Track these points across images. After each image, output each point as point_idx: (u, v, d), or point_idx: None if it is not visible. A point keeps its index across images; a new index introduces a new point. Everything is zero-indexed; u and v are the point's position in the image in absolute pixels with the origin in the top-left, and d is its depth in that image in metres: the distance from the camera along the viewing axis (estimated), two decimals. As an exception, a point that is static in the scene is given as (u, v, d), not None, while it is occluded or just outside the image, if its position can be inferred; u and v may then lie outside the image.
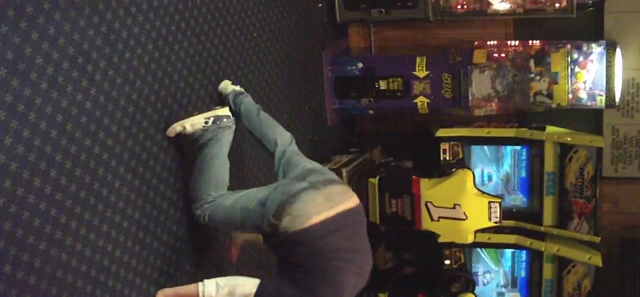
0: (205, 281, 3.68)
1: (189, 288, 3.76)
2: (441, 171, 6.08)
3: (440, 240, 5.93)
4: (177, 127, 4.06)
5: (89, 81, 3.37)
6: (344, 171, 5.88)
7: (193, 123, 4.07)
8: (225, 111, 4.21)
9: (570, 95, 5.87)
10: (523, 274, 6.48)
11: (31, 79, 2.99)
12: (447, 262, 6.31)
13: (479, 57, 6.03)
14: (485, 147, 6.34)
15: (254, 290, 3.65)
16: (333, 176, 4.02)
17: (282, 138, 4.34)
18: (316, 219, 3.58)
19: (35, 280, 3.04)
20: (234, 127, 4.25)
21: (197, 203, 4.06)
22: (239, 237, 4.58)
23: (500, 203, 5.69)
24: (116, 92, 3.60)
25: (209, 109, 4.22)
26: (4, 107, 2.85)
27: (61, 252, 3.21)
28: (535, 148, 6.15)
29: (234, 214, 3.92)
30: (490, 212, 5.70)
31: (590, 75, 5.82)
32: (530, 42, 6.01)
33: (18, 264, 2.94)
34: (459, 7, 6.16)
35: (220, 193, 4.04)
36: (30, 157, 3.00)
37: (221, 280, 3.70)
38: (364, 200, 6.14)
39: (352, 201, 3.86)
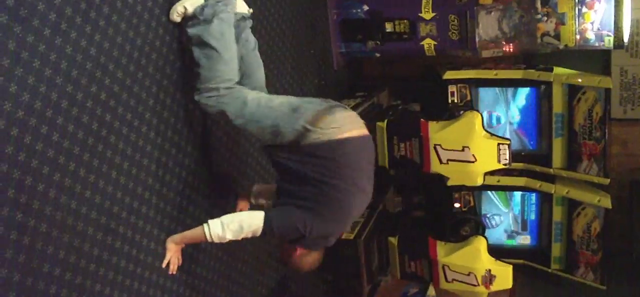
0: (210, 221, 3.64)
1: (195, 231, 3.72)
2: (449, 113, 6.06)
3: (450, 183, 5.91)
4: (178, 8, 3.85)
5: (92, 27, 3.32)
6: (352, 116, 5.84)
7: (193, 2, 3.83)
8: None
9: (578, 36, 5.82)
10: (533, 216, 6.48)
11: (34, 25, 2.94)
12: (457, 205, 6.32)
13: (485, -3, 5.99)
14: (496, 89, 6.31)
15: (261, 223, 3.62)
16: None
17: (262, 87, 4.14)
18: (350, 133, 3.62)
19: (46, 227, 3.03)
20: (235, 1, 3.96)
21: (205, 90, 3.74)
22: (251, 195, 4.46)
23: (509, 145, 5.66)
24: (121, 37, 3.56)
25: None
26: (8, 54, 2.80)
27: (70, 199, 3.19)
28: (543, 90, 6.10)
29: (257, 109, 3.71)
30: (500, 154, 5.66)
31: (597, 16, 5.76)
32: (537, -19, 5.95)
33: (28, 211, 2.92)
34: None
35: (236, 81, 3.81)
36: (36, 105, 2.96)
37: (225, 218, 3.65)
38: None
39: (366, 129, 3.84)
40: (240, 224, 3.62)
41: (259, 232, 3.64)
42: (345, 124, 3.62)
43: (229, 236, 3.62)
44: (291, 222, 3.62)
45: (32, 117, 2.94)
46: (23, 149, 2.89)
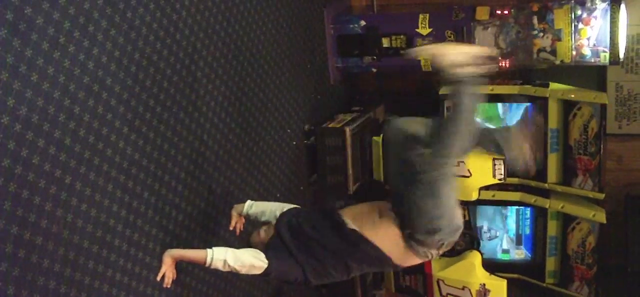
0: (215, 249, 3.65)
1: (198, 253, 3.72)
2: (444, 115, 6.07)
3: (446, 197, 5.92)
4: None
5: (90, 41, 3.36)
6: (347, 130, 5.87)
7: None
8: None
9: (574, 52, 5.84)
10: (528, 231, 6.49)
11: (32, 39, 2.98)
12: (451, 219, 6.32)
13: (481, 13, 6.01)
14: (488, 105, 6.32)
15: (264, 266, 3.65)
16: None
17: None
18: None
19: (41, 240, 3.06)
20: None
21: None
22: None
23: (504, 160, 5.68)
24: (118, 51, 3.59)
25: None
26: (6, 68, 2.84)
27: (67, 212, 3.23)
28: (537, 104, 6.13)
29: None
30: (495, 169, 5.68)
31: (594, 32, 5.78)
32: (533, -2, 5.99)
33: (25, 225, 2.95)
34: (461, -38, 6.14)
35: None
36: (34, 118, 2.99)
37: (231, 252, 3.65)
38: (368, 158, 6.15)
39: None
40: (243, 262, 3.63)
41: (258, 272, 3.67)
42: None
43: (228, 269, 3.64)
44: (290, 270, 3.69)
45: (29, 131, 2.97)
46: (20, 162, 2.92)
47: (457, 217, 3.75)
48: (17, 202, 2.91)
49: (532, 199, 6.24)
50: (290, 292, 5.75)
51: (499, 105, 6.29)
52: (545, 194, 6.24)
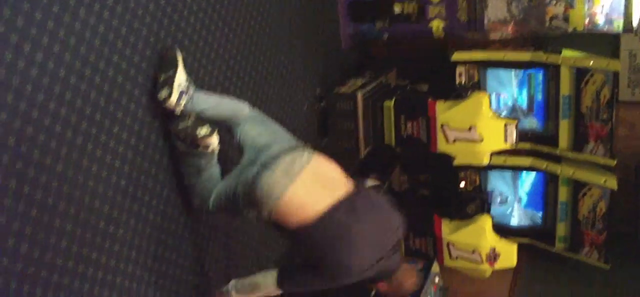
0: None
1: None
2: (457, 93, 6.09)
3: (456, 162, 5.96)
4: None
5: (87, 9, 3.39)
6: (359, 94, 5.90)
7: None
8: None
9: (587, 20, 5.83)
10: (538, 195, 6.52)
11: (31, 33, 3.02)
12: (463, 184, 6.36)
13: (494, -21, 6.01)
14: (501, 71, 6.33)
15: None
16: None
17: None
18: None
19: (41, 195, 3.10)
20: None
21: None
22: None
23: (516, 125, 5.70)
24: (116, 21, 3.61)
25: None
26: (4, 64, 2.88)
27: (67, 168, 3.27)
28: (551, 72, 6.13)
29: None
30: (506, 134, 5.70)
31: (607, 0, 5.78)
32: (546, -36, 5.97)
33: (24, 179, 3.00)
34: None
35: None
36: (33, 71, 3.04)
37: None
38: (379, 123, 6.17)
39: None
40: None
41: None
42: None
43: None
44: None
45: (28, 84, 3.01)
46: (18, 115, 2.96)
47: None
48: (17, 156, 2.96)
49: (543, 164, 6.26)
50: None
51: (512, 72, 6.30)
52: (557, 159, 6.25)
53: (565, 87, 6.02)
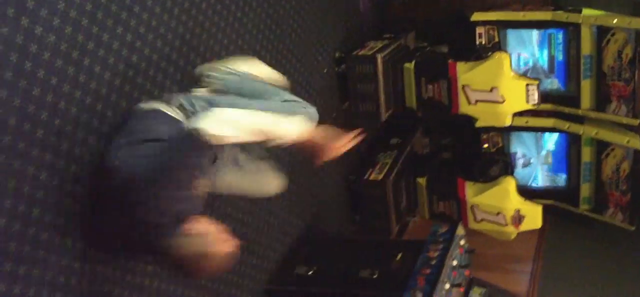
0: None
1: None
2: (477, 54, 6.02)
3: (478, 124, 5.91)
4: None
5: None
6: (379, 57, 5.83)
7: None
8: None
9: (608, -22, 5.78)
10: (561, 156, 6.48)
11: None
12: (485, 146, 6.32)
13: None
14: (522, 31, 6.26)
15: None
16: None
17: None
18: None
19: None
20: None
21: None
22: None
23: (538, 85, 5.64)
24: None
25: None
26: None
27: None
28: (571, 31, 6.06)
29: None
30: (528, 95, 5.65)
31: (628, -45, 5.71)
32: None
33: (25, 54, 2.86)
34: None
35: None
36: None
37: None
38: (399, 85, 6.11)
39: None
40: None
41: None
42: None
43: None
44: None
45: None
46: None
47: None
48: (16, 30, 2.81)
49: (565, 125, 6.20)
50: (324, 228, 5.77)
51: (533, 32, 6.22)
52: (579, 120, 6.19)
53: (587, 46, 5.95)
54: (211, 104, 3.20)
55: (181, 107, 3.24)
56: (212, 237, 2.93)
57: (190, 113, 3.21)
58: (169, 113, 3.19)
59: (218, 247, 2.94)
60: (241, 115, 2.99)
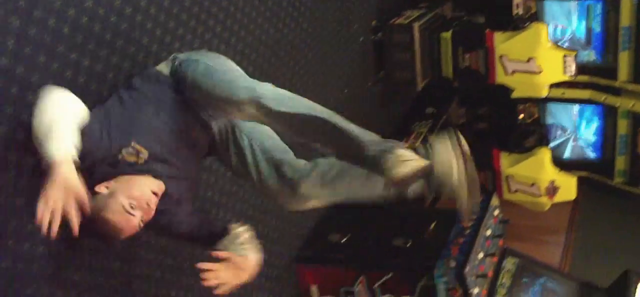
0: None
1: None
2: (515, 25, 5.99)
3: (514, 94, 5.88)
4: None
5: None
6: (416, 26, 5.81)
7: None
8: None
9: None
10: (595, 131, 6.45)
11: None
12: (521, 116, 6.30)
13: None
14: (559, 1, 6.22)
15: None
16: None
17: None
18: None
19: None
20: None
21: None
22: None
23: (575, 56, 5.61)
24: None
25: None
26: None
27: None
28: (610, 2, 6.00)
29: None
30: (565, 66, 5.62)
31: None
32: None
33: None
34: None
35: None
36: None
37: None
38: (436, 55, 6.09)
39: None
40: None
41: None
42: None
43: None
44: None
45: None
46: None
47: None
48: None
49: (602, 97, 6.17)
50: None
51: (571, 3, 6.18)
52: (616, 92, 6.15)
53: (626, 17, 5.89)
54: None
55: None
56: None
57: None
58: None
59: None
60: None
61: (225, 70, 2.96)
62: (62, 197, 2.32)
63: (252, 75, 2.95)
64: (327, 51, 5.21)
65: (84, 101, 2.64)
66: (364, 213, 5.37)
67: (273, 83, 2.86)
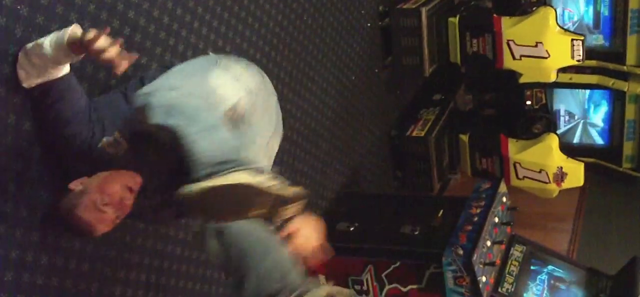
0: None
1: None
2: (522, 9, 5.96)
3: (522, 80, 5.85)
4: None
5: None
6: (423, 11, 5.79)
7: None
8: None
9: None
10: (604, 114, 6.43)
11: None
12: (529, 102, 6.28)
13: None
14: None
15: None
16: None
17: None
18: None
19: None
20: None
21: None
22: None
23: (583, 40, 5.57)
24: None
25: None
26: None
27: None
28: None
29: None
30: (573, 50, 5.58)
31: None
32: None
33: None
34: None
35: None
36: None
37: None
38: (444, 40, 6.07)
39: None
40: None
41: None
42: None
43: None
44: None
45: None
46: None
47: None
48: None
49: (610, 82, 6.14)
50: (365, 184, 5.79)
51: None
52: (624, 76, 6.12)
53: (635, 0, 5.85)
54: None
55: None
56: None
57: None
58: None
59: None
60: None
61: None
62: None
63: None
64: (335, 37, 5.19)
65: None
66: (372, 201, 5.40)
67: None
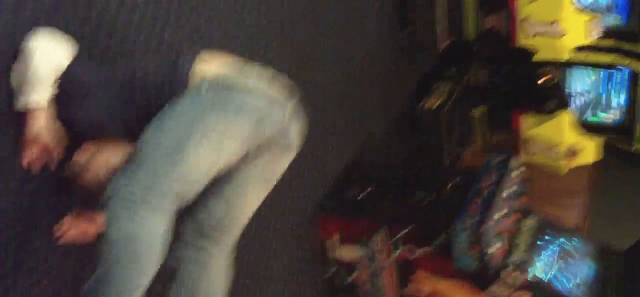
0: None
1: None
2: (538, -14, 5.98)
3: (536, 57, 5.87)
4: None
5: None
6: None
7: None
8: None
9: None
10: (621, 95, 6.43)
11: None
12: (542, 79, 6.29)
13: None
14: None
15: None
16: None
17: None
18: None
19: None
20: None
21: None
22: None
23: (599, 19, 5.58)
24: None
25: None
26: None
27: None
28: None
29: None
30: (589, 29, 5.60)
31: None
32: None
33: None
34: None
35: None
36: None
37: None
38: (458, 15, 6.08)
39: None
40: None
41: None
42: None
43: None
44: None
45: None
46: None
47: None
48: None
49: (625, 61, 6.14)
50: (375, 156, 5.82)
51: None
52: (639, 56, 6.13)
53: (650, -19, 5.87)
54: None
55: None
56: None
57: None
58: None
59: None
60: None
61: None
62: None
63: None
64: (348, 10, 5.20)
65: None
66: (383, 170, 5.43)
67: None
